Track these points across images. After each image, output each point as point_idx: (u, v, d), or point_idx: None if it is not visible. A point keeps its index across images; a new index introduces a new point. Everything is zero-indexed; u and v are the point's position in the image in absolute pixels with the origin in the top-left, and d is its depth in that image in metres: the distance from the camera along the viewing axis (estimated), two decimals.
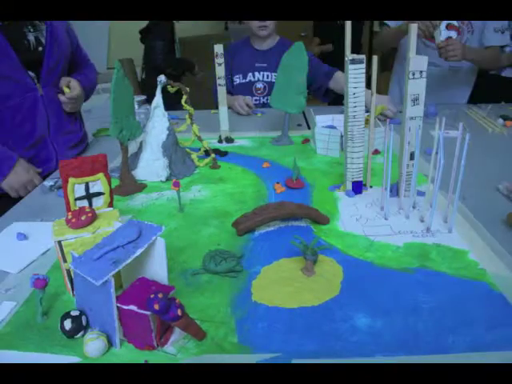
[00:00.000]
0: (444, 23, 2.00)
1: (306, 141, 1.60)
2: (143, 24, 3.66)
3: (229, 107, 1.66)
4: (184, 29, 4.14)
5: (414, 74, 0.98)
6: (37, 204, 1.20)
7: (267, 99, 2.20)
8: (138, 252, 0.69)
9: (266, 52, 2.20)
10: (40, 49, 1.39)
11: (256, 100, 2.23)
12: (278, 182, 1.21)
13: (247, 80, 2.22)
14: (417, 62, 0.97)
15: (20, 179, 1.34)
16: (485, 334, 0.67)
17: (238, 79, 2.23)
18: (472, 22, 2.03)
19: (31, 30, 1.38)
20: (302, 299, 0.77)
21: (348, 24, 1.08)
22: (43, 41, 1.40)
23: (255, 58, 2.21)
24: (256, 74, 2.21)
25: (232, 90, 2.21)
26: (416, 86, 0.99)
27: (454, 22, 2.04)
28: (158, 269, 0.74)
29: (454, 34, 2.04)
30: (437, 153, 0.93)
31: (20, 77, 1.35)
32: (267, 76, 2.20)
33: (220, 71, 1.52)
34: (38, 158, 1.45)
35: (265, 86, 2.21)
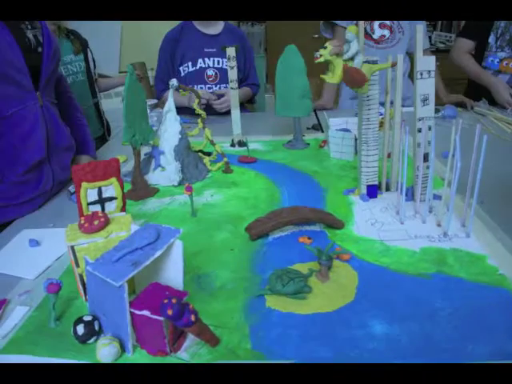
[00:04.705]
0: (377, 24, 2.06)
1: (324, 142, 1.58)
2: (155, 26, 3.67)
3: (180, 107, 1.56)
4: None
5: (421, 74, 0.96)
6: (49, 209, 1.20)
7: (219, 87, 2.11)
8: (158, 253, 0.69)
9: (215, 37, 2.09)
10: (39, 49, 1.18)
11: (209, 88, 2.11)
12: (309, 238, 0.98)
13: (198, 67, 2.08)
14: (424, 62, 0.95)
15: None
16: (506, 342, 0.66)
17: (186, 68, 2.09)
18: (400, 22, 2.10)
19: (29, 27, 1.17)
20: (317, 305, 0.76)
21: (361, 24, 1.07)
22: (41, 41, 1.19)
23: (203, 42, 2.07)
24: (206, 60, 2.07)
25: (181, 82, 1.71)
26: (425, 86, 0.98)
27: (387, 22, 2.08)
28: (173, 273, 0.74)
29: (387, 32, 2.08)
30: (453, 155, 0.91)
31: (22, 80, 1.12)
32: (218, 62, 2.08)
33: (232, 74, 1.52)
34: (32, 183, 1.18)
35: (216, 73, 2.09)
